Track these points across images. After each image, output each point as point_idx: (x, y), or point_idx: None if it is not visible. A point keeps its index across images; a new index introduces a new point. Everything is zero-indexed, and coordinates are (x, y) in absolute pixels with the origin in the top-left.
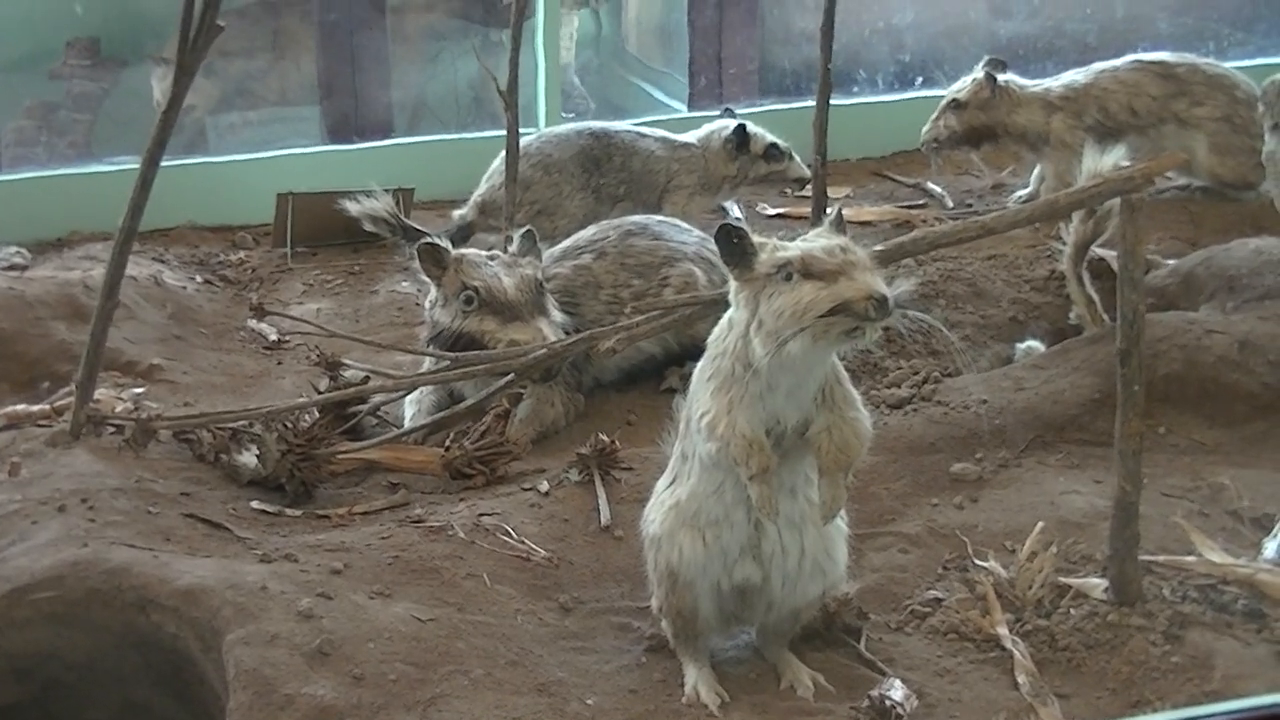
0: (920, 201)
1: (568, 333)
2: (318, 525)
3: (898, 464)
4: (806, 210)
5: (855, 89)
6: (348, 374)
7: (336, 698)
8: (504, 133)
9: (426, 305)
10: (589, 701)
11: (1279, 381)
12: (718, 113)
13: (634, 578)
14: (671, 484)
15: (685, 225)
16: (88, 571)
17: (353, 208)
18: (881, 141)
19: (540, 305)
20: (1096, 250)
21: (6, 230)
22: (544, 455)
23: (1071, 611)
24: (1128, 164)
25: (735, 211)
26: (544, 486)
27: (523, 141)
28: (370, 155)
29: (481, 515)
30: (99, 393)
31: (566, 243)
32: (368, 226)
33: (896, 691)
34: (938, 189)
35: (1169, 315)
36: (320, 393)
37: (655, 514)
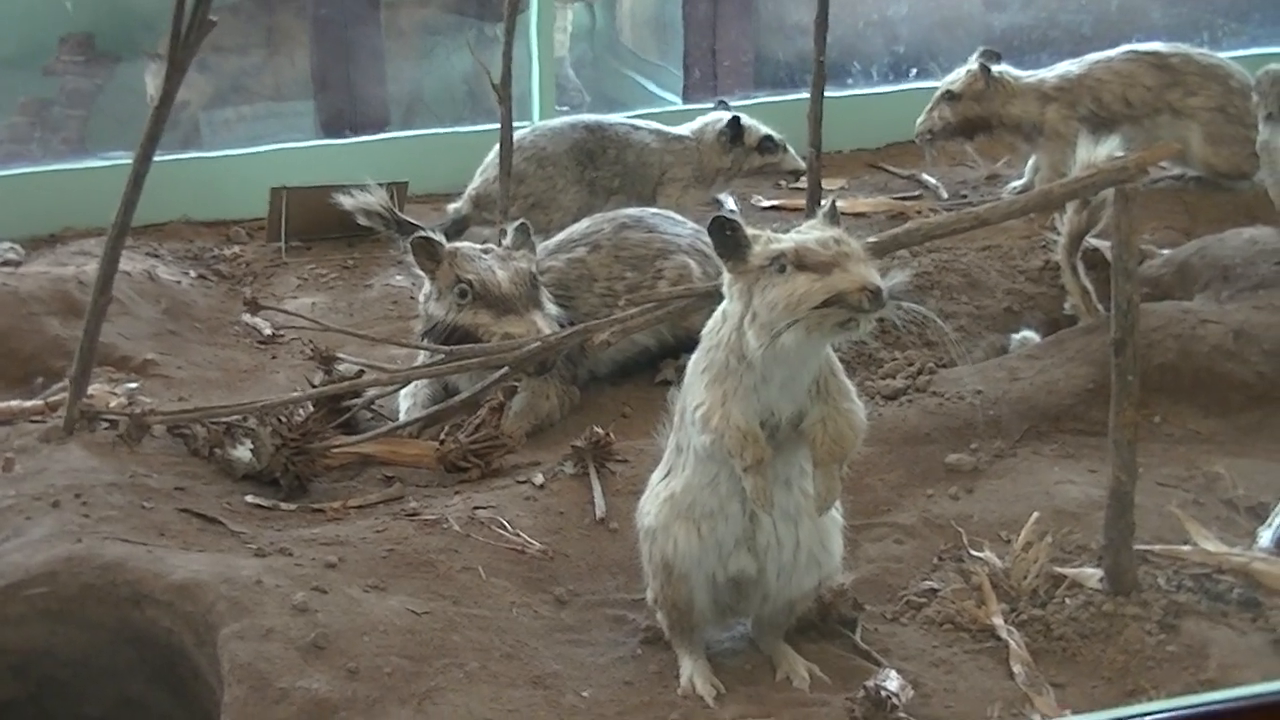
0: (915, 193)
1: (562, 326)
2: (312, 519)
3: (893, 455)
4: (801, 202)
5: (850, 81)
6: (342, 368)
7: (331, 691)
8: (498, 126)
9: (421, 299)
10: (584, 694)
11: (1273, 371)
12: (712, 105)
13: (629, 570)
14: (666, 476)
15: (680, 218)
16: (82, 567)
17: (347, 202)
18: (876, 133)
19: (535, 298)
20: (1091, 240)
21: (0, 226)
22: (539, 448)
23: (1067, 601)
24: (1122, 154)
25: (730, 204)
26: (539, 479)
27: (517, 135)
28: (364, 149)
29: (476, 508)
30: (93, 388)
31: (561, 236)
32: (362, 221)
33: (892, 682)
34: (932, 180)
35: (1164, 305)
36: (315, 387)
37: (650, 506)
